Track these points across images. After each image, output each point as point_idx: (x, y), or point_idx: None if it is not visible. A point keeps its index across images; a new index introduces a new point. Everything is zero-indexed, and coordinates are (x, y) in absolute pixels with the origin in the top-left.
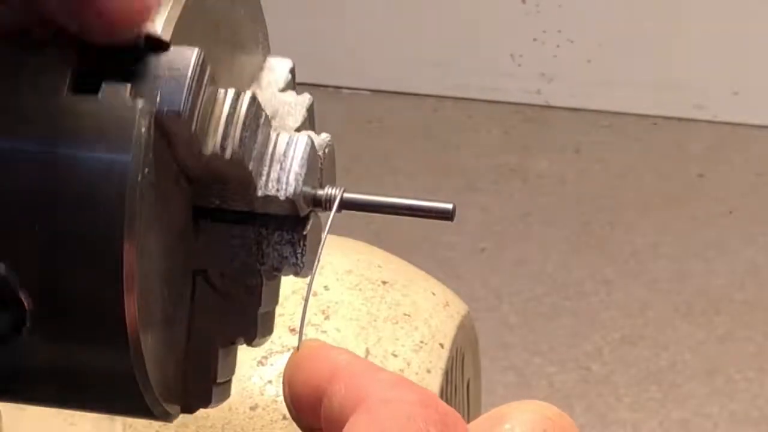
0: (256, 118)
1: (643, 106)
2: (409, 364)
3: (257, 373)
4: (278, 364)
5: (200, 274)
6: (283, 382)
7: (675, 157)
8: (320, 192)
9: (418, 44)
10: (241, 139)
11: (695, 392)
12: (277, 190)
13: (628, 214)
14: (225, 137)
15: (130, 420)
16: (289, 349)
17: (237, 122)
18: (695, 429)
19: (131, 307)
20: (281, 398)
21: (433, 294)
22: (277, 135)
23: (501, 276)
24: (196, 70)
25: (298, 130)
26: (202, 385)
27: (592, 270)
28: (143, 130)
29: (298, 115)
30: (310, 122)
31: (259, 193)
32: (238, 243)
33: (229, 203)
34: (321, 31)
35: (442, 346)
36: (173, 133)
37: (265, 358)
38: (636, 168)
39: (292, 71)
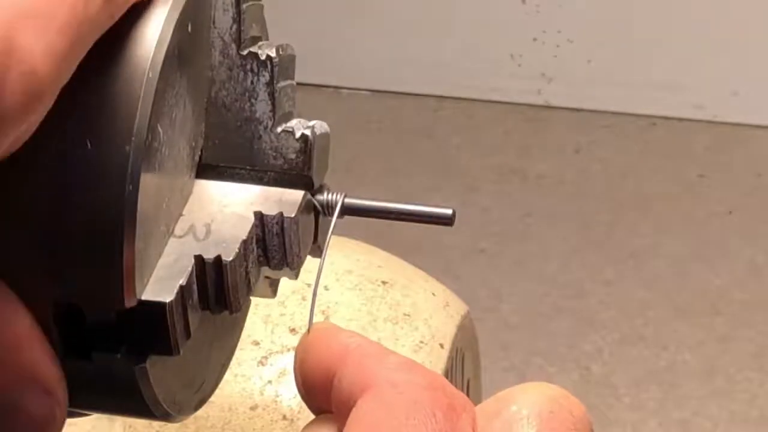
0: None
1: (643, 106)
2: None
3: (257, 373)
4: (278, 364)
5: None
6: (294, 365)
7: (675, 157)
8: (321, 197)
9: (418, 44)
10: None
11: (695, 392)
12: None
13: (628, 214)
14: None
15: (130, 420)
16: (289, 350)
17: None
18: (695, 429)
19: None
20: (281, 398)
21: (433, 294)
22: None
23: (501, 276)
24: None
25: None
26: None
27: (592, 270)
28: None
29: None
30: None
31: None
32: None
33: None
34: (321, 31)
35: (442, 346)
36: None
37: (265, 358)
38: (636, 168)
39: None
